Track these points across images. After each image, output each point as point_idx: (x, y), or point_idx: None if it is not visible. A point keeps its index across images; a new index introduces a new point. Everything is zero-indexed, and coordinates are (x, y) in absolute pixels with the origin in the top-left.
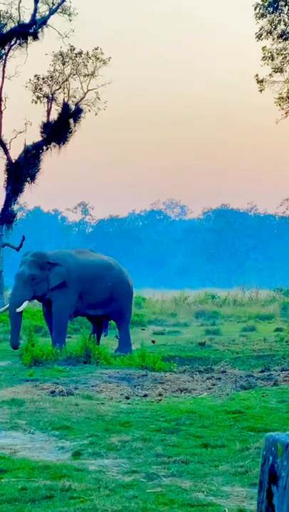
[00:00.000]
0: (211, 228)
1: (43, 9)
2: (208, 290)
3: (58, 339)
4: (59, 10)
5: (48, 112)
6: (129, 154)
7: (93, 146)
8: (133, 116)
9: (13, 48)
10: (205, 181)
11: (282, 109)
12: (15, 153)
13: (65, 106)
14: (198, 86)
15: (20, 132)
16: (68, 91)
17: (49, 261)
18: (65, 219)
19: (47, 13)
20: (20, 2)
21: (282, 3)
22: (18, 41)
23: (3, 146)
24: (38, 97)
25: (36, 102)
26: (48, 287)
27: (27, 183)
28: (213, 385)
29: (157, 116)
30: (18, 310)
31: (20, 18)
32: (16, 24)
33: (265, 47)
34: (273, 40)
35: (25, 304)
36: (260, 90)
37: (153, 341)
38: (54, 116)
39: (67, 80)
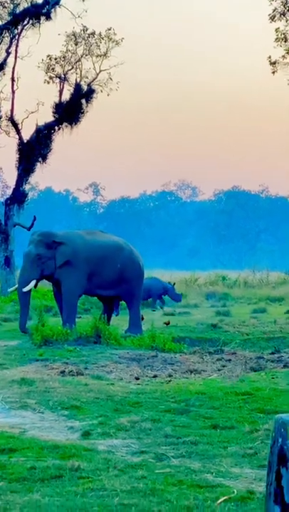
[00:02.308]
0: (222, 210)
1: None
2: (219, 272)
3: (68, 319)
4: None
5: (60, 92)
6: (140, 135)
7: (105, 127)
8: (145, 98)
9: (25, 27)
10: (217, 163)
11: None
12: (27, 134)
13: (78, 86)
14: (210, 69)
15: (32, 112)
16: (81, 71)
17: (55, 240)
18: (77, 199)
19: None
20: None
21: None
22: (30, 21)
23: (16, 126)
24: (51, 77)
25: (49, 82)
26: (55, 266)
27: (38, 163)
28: (223, 366)
29: (170, 98)
30: (25, 289)
31: None
32: (29, 4)
33: (279, 28)
34: (287, 21)
35: (32, 283)
36: (273, 72)
37: (167, 323)
38: (66, 96)
39: (79, 60)
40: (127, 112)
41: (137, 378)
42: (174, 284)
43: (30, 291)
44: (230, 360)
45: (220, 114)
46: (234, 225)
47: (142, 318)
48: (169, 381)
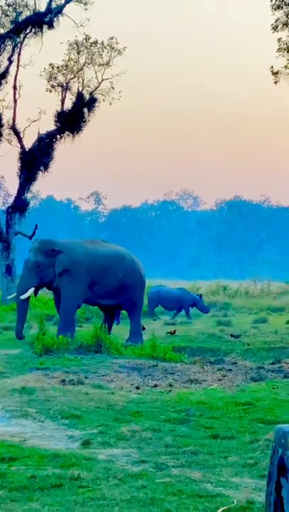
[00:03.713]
0: (224, 219)
1: None
2: (220, 281)
3: (62, 328)
4: None
5: (62, 100)
6: (142, 144)
7: (107, 135)
8: (147, 106)
9: (28, 36)
10: (219, 172)
11: None
12: (29, 142)
13: (80, 95)
14: (212, 78)
15: (34, 121)
16: (83, 80)
17: (54, 248)
18: (78, 208)
19: (62, 1)
20: None
21: None
22: (33, 30)
23: (17, 134)
24: (53, 86)
25: (51, 91)
26: (54, 274)
27: (40, 172)
28: (224, 376)
29: (172, 107)
30: (22, 297)
31: (35, 7)
32: (32, 13)
33: (281, 38)
34: None
35: (31, 290)
36: (275, 82)
37: (172, 332)
38: (68, 105)
39: (81, 69)
40: (128, 120)
41: (138, 388)
42: (202, 295)
43: (28, 298)
44: (230, 370)
45: (223, 123)
46: (235, 234)
47: (143, 328)
48: (170, 391)
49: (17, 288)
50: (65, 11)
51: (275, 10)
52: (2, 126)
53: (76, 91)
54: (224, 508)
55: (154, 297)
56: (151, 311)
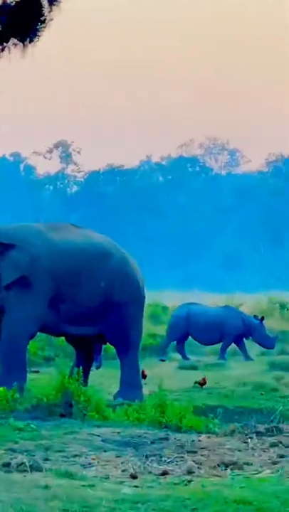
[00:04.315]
0: (282, 189)
1: None
2: (276, 294)
3: (6, 375)
4: None
5: None
6: (140, 66)
7: (82, 52)
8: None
9: None
10: (270, 112)
11: None
12: None
13: None
14: None
15: None
16: None
17: (1, 240)
18: (33, 170)
19: None
20: None
21: None
22: None
23: None
24: None
25: None
26: None
27: None
28: (282, 456)
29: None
30: None
31: None
32: None
33: None
34: None
35: None
36: None
37: (202, 383)
38: None
39: None
40: (118, 31)
41: (134, 477)
42: (263, 318)
43: None
44: None
45: (268, 40)
46: None
47: (144, 376)
48: (189, 481)
49: None
50: None
51: None
52: None
53: None
54: None
55: (180, 323)
56: (179, 345)
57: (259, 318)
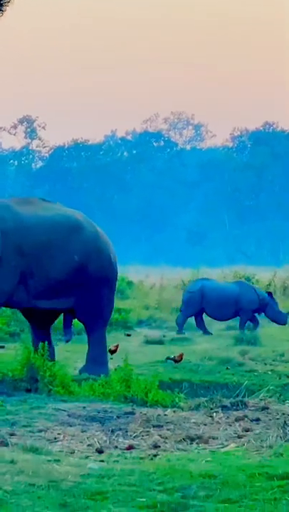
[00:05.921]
0: (246, 163)
1: None
2: (240, 268)
3: None
4: None
5: None
6: (107, 40)
7: (48, 25)
8: None
9: None
10: (236, 86)
11: None
12: None
13: None
14: None
15: None
16: None
17: None
18: None
19: None
20: None
21: None
22: None
23: None
24: None
25: None
26: None
27: None
28: (247, 430)
29: None
30: None
31: None
32: None
33: None
34: None
35: None
36: None
37: (177, 359)
38: None
39: None
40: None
41: (100, 451)
42: (271, 293)
43: None
44: (258, 419)
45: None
46: (266, 189)
47: (112, 351)
48: (155, 455)
49: None
50: None
51: None
52: None
53: None
54: None
55: (194, 298)
56: (197, 320)
57: (270, 292)
